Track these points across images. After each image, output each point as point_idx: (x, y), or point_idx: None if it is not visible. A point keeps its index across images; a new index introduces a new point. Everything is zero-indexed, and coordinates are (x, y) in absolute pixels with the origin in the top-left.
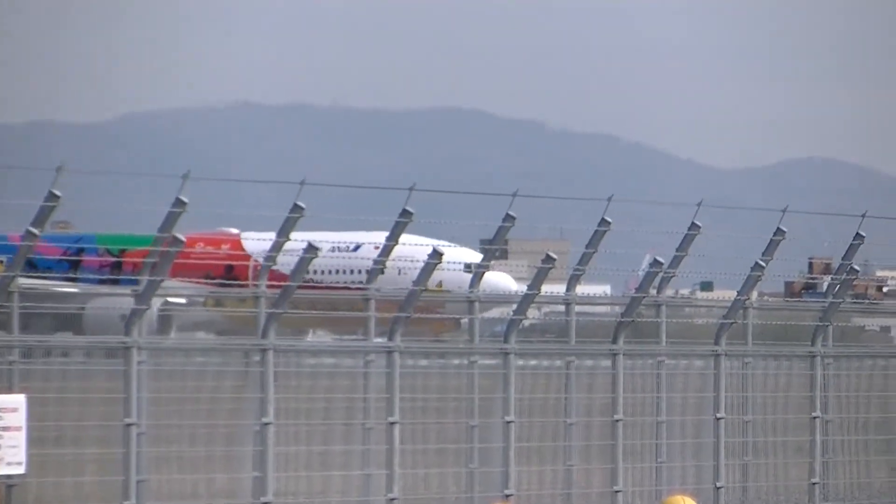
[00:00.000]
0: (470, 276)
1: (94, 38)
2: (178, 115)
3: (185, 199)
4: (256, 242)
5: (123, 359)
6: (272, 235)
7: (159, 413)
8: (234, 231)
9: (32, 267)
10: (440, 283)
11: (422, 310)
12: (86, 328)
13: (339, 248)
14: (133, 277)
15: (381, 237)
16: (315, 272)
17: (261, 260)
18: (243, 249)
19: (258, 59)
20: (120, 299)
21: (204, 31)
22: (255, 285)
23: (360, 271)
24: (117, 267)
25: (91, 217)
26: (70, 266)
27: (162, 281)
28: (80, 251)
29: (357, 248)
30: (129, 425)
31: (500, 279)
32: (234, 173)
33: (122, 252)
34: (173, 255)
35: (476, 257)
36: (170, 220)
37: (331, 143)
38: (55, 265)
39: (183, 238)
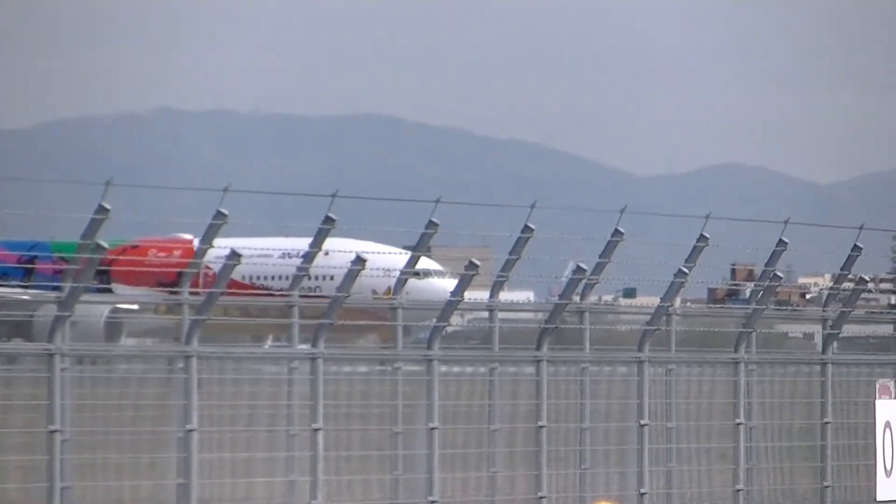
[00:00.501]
0: (421, 282)
1: (13, 45)
2: (98, 121)
3: (107, 206)
4: (210, 249)
5: (46, 366)
6: (228, 241)
7: (83, 420)
8: (188, 237)
9: None
10: (389, 290)
11: (372, 316)
12: (35, 335)
13: (287, 254)
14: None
15: (353, 244)
16: (280, 278)
17: (214, 267)
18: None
19: (178, 64)
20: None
21: (125, 37)
22: (178, 292)
23: (330, 278)
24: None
25: (15, 223)
26: (24, 273)
27: (85, 288)
28: (33, 258)
29: (327, 253)
30: (52, 432)
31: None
32: (155, 180)
33: (73, 258)
34: (96, 262)
35: (433, 265)
36: (92, 227)
37: (252, 150)
38: (11, 271)
39: (105, 245)
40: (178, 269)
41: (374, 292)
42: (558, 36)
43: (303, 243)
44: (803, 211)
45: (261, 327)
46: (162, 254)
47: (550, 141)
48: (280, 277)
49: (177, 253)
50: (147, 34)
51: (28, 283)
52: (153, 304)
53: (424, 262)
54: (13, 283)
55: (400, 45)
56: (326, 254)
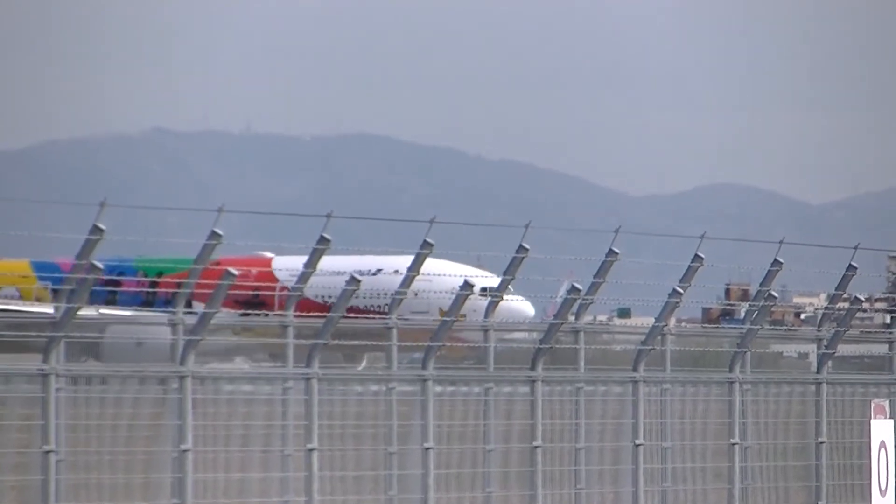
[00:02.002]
0: (486, 301)
1: (4, 66)
2: (91, 142)
3: (102, 227)
4: (285, 264)
5: (42, 385)
6: (297, 259)
7: (77, 440)
8: (269, 255)
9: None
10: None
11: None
12: (104, 355)
13: (360, 272)
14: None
15: (400, 261)
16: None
17: (288, 285)
18: (273, 274)
19: (170, 85)
20: (138, 326)
21: (117, 57)
22: (282, 314)
23: (380, 294)
24: (152, 291)
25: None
26: (109, 292)
27: (79, 308)
28: (119, 275)
29: (377, 272)
30: (47, 452)
31: (519, 306)
32: (148, 200)
33: (159, 276)
34: (91, 283)
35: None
36: (87, 248)
37: (244, 169)
38: (95, 291)
39: (101, 265)
40: (255, 289)
41: (441, 310)
42: (549, 54)
43: (374, 261)
44: (796, 231)
45: (355, 348)
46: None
47: (542, 160)
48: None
49: (254, 271)
50: (139, 54)
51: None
52: (229, 324)
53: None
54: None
55: (391, 64)
56: (396, 271)
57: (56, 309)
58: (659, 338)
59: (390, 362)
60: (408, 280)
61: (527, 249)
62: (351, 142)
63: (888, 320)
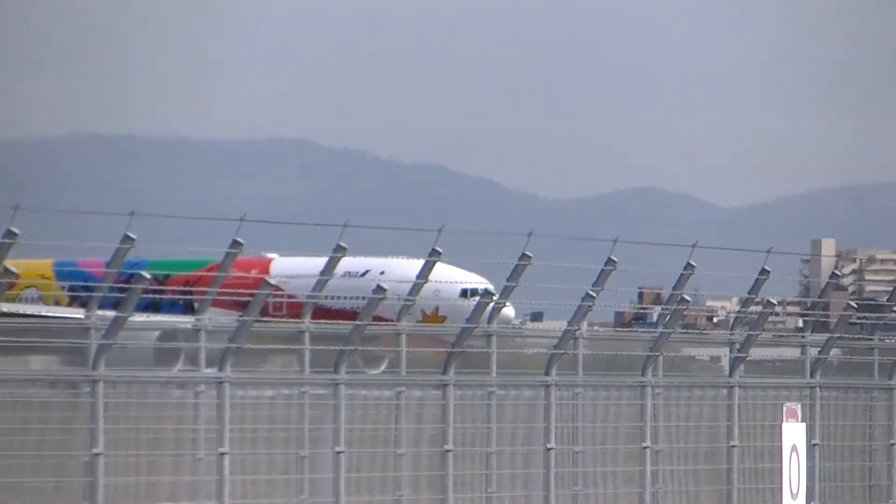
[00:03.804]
0: (466, 302)
1: None
2: (9, 146)
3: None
4: (284, 269)
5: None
6: (305, 261)
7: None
8: (271, 256)
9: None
10: (436, 310)
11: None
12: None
13: (349, 273)
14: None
15: (386, 263)
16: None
17: (282, 285)
18: (270, 275)
19: (92, 89)
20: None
21: (35, 62)
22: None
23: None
24: (159, 293)
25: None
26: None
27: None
28: (130, 277)
29: (365, 273)
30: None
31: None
32: (68, 204)
33: (167, 278)
34: (5, 287)
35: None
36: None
37: (165, 174)
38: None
39: (14, 269)
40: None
41: (424, 312)
42: (462, 58)
43: (363, 263)
44: (709, 234)
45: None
46: (240, 272)
47: (456, 164)
48: (343, 297)
49: (254, 271)
50: (70, 60)
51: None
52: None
53: (476, 283)
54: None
55: (310, 68)
56: (382, 273)
57: (87, 314)
58: (571, 342)
59: (303, 366)
60: (417, 287)
61: (440, 253)
62: (271, 146)
63: (800, 324)
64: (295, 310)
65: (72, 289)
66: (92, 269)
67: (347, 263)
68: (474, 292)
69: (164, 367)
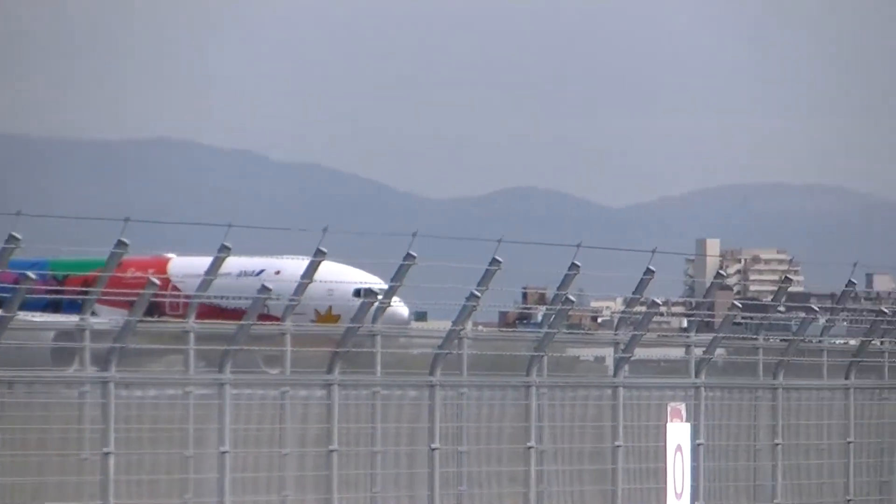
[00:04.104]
0: (359, 301)
1: None
2: None
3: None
4: (181, 268)
5: None
6: (202, 260)
7: None
8: (170, 256)
9: None
10: (329, 310)
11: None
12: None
13: (245, 272)
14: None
15: (281, 263)
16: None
17: (179, 285)
18: (167, 274)
19: None
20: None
21: None
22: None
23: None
24: (59, 293)
25: None
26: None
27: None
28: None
29: (260, 272)
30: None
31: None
32: None
33: (66, 278)
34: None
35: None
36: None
37: (48, 174)
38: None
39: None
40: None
41: (318, 312)
42: (352, 57)
43: (259, 262)
44: (595, 234)
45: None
46: (139, 273)
47: (343, 164)
48: (241, 298)
49: (151, 271)
50: None
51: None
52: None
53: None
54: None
55: (194, 67)
56: (277, 272)
57: None
58: (456, 341)
59: (187, 366)
60: (301, 287)
61: (324, 253)
62: (152, 146)
63: (685, 324)
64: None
65: None
66: None
67: (243, 263)
68: (368, 292)
69: (62, 367)
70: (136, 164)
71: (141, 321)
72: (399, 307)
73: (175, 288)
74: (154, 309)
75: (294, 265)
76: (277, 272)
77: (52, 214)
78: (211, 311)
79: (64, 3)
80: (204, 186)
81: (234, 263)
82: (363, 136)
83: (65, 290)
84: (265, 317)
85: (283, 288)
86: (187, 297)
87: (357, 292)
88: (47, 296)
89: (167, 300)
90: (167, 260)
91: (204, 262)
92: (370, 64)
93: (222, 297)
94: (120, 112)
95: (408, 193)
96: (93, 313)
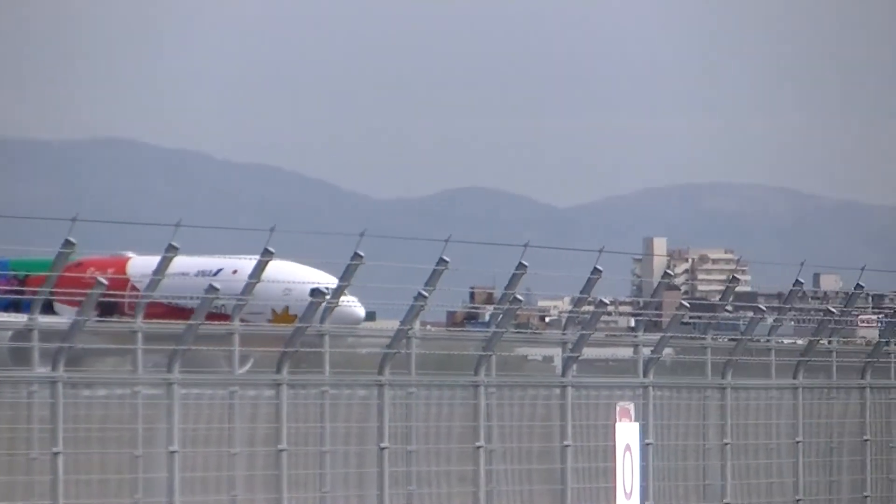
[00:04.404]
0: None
1: None
2: None
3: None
4: (140, 268)
5: None
6: (148, 259)
7: None
8: (130, 255)
9: None
10: (286, 310)
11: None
12: None
13: (203, 272)
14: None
15: (238, 262)
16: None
17: (138, 284)
18: (126, 274)
19: None
20: None
21: None
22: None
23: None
24: (20, 291)
25: None
26: None
27: None
28: None
29: (218, 271)
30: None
31: (350, 310)
32: None
33: (27, 277)
34: None
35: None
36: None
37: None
38: None
39: None
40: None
41: (274, 312)
42: (296, 58)
43: (217, 262)
44: (542, 234)
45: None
46: (98, 272)
47: (290, 164)
48: (195, 298)
49: (110, 270)
50: None
51: None
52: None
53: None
54: None
55: (138, 67)
56: (235, 272)
57: None
58: (404, 341)
59: (136, 365)
60: (249, 287)
61: (272, 253)
62: (97, 146)
63: (633, 324)
64: (152, 309)
65: None
66: None
67: (202, 262)
68: (316, 292)
69: (21, 367)
70: (80, 164)
71: (100, 321)
72: (355, 307)
73: (134, 287)
74: (113, 309)
75: (251, 265)
76: (235, 271)
77: (2, 215)
78: (170, 311)
79: (8, 3)
80: (149, 186)
81: (192, 263)
82: (306, 135)
83: (25, 289)
84: (219, 316)
85: (239, 287)
86: (135, 296)
87: (314, 292)
88: (7, 296)
89: (126, 300)
90: (127, 259)
91: (150, 260)
92: (313, 64)
93: (180, 297)
94: (61, 112)
95: (352, 193)
96: (54, 312)
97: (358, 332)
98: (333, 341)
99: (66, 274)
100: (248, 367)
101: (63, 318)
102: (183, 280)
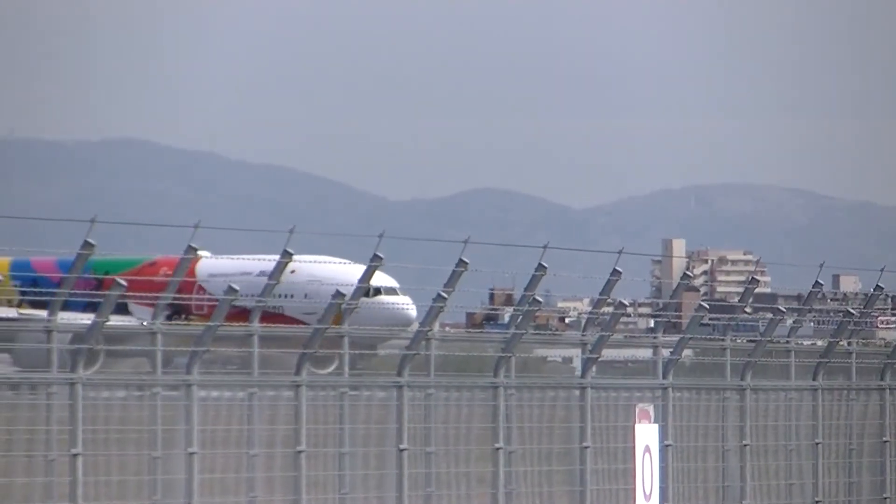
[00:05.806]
0: (372, 300)
1: None
2: None
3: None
4: (207, 267)
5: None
6: (229, 262)
7: None
8: (205, 253)
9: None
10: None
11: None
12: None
13: (264, 272)
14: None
15: (297, 263)
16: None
17: (204, 285)
18: (194, 274)
19: None
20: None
21: None
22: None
23: (291, 296)
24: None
25: None
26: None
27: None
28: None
29: (293, 271)
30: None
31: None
32: None
33: (106, 276)
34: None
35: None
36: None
37: (5, 173)
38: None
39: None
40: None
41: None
42: (312, 59)
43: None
44: (560, 235)
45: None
46: (170, 273)
47: (304, 165)
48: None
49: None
50: None
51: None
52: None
53: (381, 281)
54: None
55: (152, 68)
56: (293, 272)
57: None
58: (423, 342)
59: (155, 367)
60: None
61: (291, 254)
62: (113, 147)
63: (652, 325)
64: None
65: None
66: (44, 270)
67: (263, 263)
68: (377, 291)
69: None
70: (94, 166)
71: (169, 323)
72: (408, 308)
73: (200, 288)
74: (181, 310)
75: (308, 265)
76: (293, 271)
77: (20, 216)
78: (232, 312)
79: (24, 5)
80: (163, 187)
81: (254, 263)
82: (321, 137)
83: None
84: (276, 317)
85: (296, 287)
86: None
87: (372, 291)
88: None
89: (204, 302)
90: (197, 260)
91: (232, 263)
92: (327, 65)
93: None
94: (75, 113)
95: (367, 194)
96: (129, 313)
97: (377, 332)
98: (352, 342)
99: (137, 277)
100: (332, 368)
101: (137, 318)
102: (246, 280)
